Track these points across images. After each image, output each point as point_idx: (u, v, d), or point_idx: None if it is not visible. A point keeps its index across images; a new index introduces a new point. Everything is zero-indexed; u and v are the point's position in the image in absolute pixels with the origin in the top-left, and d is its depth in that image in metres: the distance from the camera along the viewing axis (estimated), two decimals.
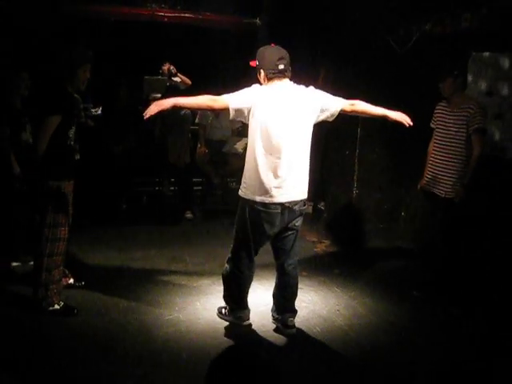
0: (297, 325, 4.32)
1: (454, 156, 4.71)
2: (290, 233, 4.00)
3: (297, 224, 3.97)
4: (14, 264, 5.12)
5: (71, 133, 4.24)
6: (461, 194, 4.62)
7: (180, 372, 3.62)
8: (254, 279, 4.26)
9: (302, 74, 7.47)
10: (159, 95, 8.23)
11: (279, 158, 3.66)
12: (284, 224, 3.88)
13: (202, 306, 4.52)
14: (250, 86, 3.75)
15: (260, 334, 4.07)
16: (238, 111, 3.66)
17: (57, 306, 4.29)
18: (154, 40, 8.53)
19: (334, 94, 4.01)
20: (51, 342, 3.89)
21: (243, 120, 3.77)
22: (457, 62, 4.93)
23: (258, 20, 7.49)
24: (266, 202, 3.72)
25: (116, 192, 7.34)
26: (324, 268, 5.71)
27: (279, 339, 4.08)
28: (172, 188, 7.85)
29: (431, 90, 4.85)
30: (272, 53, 3.73)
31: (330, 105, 3.83)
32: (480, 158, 4.59)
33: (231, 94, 3.68)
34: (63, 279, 4.58)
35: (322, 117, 3.84)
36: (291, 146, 3.69)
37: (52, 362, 3.64)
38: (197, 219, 7.26)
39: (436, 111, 4.94)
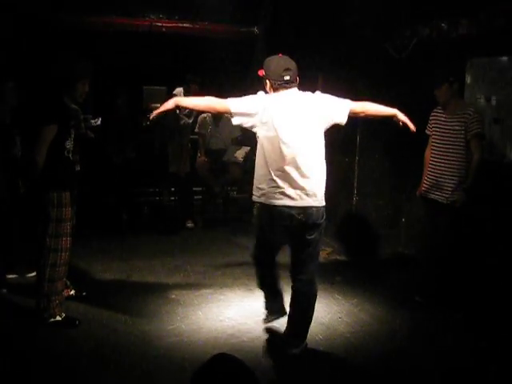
0: None
1: (453, 162, 4.72)
2: (302, 245, 3.79)
3: (309, 237, 3.75)
4: (11, 276, 5.12)
5: (68, 144, 4.23)
6: (462, 199, 4.63)
7: (183, 382, 3.60)
8: (256, 286, 4.25)
9: (300, 81, 7.55)
10: (158, 105, 8.23)
11: (290, 165, 3.60)
12: (295, 233, 3.74)
13: (204, 316, 4.52)
14: (249, 94, 3.73)
15: (261, 342, 4.05)
16: (240, 116, 3.62)
17: (58, 318, 4.27)
18: (152, 50, 8.55)
19: None
20: (52, 355, 3.87)
21: (246, 126, 3.69)
22: (452, 69, 4.94)
23: (255, 29, 7.52)
24: (277, 204, 3.62)
25: (117, 202, 7.34)
26: (325, 275, 5.68)
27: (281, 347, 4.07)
28: (172, 198, 7.86)
29: (430, 96, 4.85)
30: (278, 63, 3.70)
31: (338, 109, 3.76)
32: (480, 163, 4.60)
33: (236, 98, 3.67)
34: (64, 290, 4.58)
35: (333, 121, 3.76)
36: (302, 152, 3.62)
37: (53, 375, 3.62)
38: (197, 228, 7.26)
39: (431, 117, 4.95)
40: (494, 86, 5.26)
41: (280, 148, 3.58)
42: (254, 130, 3.67)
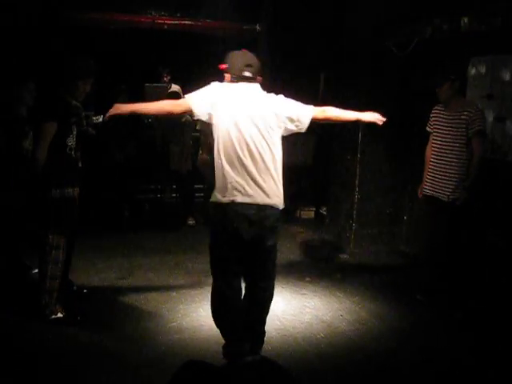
0: (300, 330, 4.32)
1: (454, 159, 4.71)
2: (261, 254, 3.61)
3: (269, 244, 3.56)
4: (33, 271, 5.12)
5: (70, 141, 4.23)
6: (463, 196, 4.62)
7: (184, 379, 3.61)
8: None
9: (302, 79, 7.55)
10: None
11: (239, 160, 3.41)
12: (252, 239, 3.50)
13: (206, 313, 4.50)
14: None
15: (265, 339, 4.05)
16: (201, 110, 3.44)
17: (60, 315, 4.27)
18: (155, 47, 8.55)
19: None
20: (53, 352, 3.87)
21: (205, 119, 3.50)
22: (454, 67, 4.92)
23: (257, 26, 7.51)
24: (232, 200, 3.43)
25: (118, 199, 7.35)
26: (327, 273, 5.70)
27: (284, 345, 4.07)
28: (174, 195, 7.86)
29: (431, 93, 4.85)
30: (240, 58, 3.54)
31: (299, 114, 3.56)
32: (481, 161, 4.59)
33: (191, 94, 3.51)
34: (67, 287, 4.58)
35: (292, 127, 3.57)
36: (258, 147, 3.43)
37: (53, 372, 3.62)
38: (199, 225, 7.26)
39: (432, 115, 4.94)
40: (497, 83, 5.26)
41: (235, 141, 3.41)
42: (210, 121, 3.49)
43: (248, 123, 3.42)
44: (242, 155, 3.41)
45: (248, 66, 3.49)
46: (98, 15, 7.03)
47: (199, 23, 7.37)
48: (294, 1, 7.24)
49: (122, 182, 7.27)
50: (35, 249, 4.45)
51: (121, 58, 8.60)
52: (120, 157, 7.21)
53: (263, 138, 3.46)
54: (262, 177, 3.44)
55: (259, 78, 3.55)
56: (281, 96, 3.62)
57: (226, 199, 3.43)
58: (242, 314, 3.67)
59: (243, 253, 3.56)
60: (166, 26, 7.43)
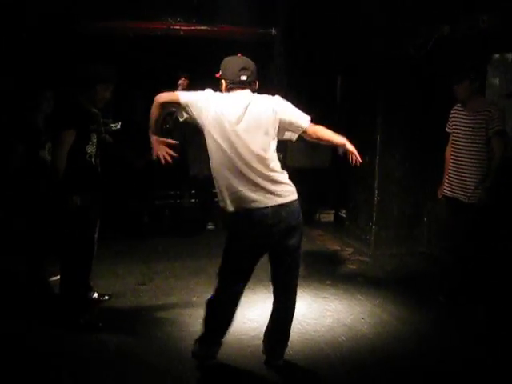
0: (322, 334, 4.30)
1: (474, 160, 4.66)
2: (281, 255, 3.58)
3: (290, 243, 3.52)
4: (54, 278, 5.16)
5: (89, 148, 4.24)
6: (484, 197, 4.57)
7: (207, 383, 3.62)
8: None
9: (319, 82, 7.54)
10: (174, 108, 8.27)
11: (239, 170, 3.36)
12: (270, 241, 3.50)
13: None
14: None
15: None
16: (188, 107, 3.41)
17: (81, 321, 4.30)
18: (171, 53, 8.58)
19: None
20: (74, 357, 3.89)
21: (193, 119, 3.47)
22: (474, 65, 4.88)
23: (273, 30, 7.50)
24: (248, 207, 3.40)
25: (138, 206, 7.38)
26: (348, 276, 5.68)
27: (306, 349, 4.06)
28: (193, 200, 7.88)
29: (450, 93, 4.81)
30: (235, 63, 3.47)
31: (293, 118, 3.48)
32: (502, 161, 4.54)
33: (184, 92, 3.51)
34: (88, 293, 4.61)
35: (284, 131, 3.51)
36: (255, 150, 3.35)
37: (76, 378, 3.64)
38: (218, 230, 7.26)
39: (452, 115, 4.90)
40: None
41: (230, 152, 3.36)
42: (202, 126, 3.44)
43: (241, 132, 3.34)
44: (239, 165, 3.35)
45: (243, 69, 3.43)
46: (113, 23, 7.07)
47: (215, 28, 7.37)
48: (309, 4, 7.22)
49: (141, 188, 7.30)
50: (56, 256, 4.50)
51: (137, 65, 8.65)
52: (139, 163, 7.25)
53: (260, 141, 3.38)
54: (264, 181, 3.38)
55: (256, 81, 3.49)
56: (277, 97, 3.52)
57: (237, 208, 3.40)
58: (231, 320, 3.68)
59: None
60: (181, 32, 7.45)
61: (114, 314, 4.60)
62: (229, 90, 3.46)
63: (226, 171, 3.40)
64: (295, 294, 3.70)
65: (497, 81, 5.42)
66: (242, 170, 3.35)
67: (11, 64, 5.81)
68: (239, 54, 3.57)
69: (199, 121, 3.42)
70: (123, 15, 6.97)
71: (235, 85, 3.43)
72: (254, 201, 3.36)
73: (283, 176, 3.49)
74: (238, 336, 4.16)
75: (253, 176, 3.36)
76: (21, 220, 5.03)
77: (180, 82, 8.34)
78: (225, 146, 3.36)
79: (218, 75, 3.52)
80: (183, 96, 3.46)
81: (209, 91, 3.46)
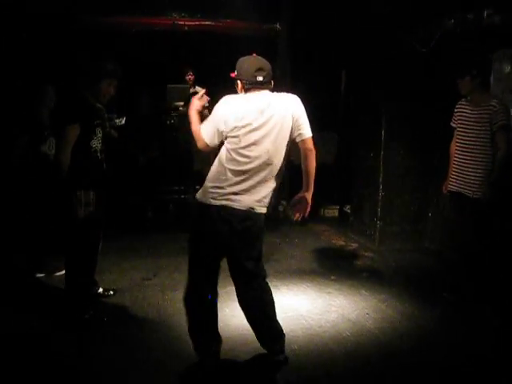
0: (326, 329, 4.30)
1: (479, 155, 4.65)
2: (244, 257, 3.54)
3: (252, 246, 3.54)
4: (39, 275, 5.19)
5: (94, 143, 4.24)
6: (488, 193, 4.56)
7: (213, 379, 3.63)
8: (282, 283, 4.22)
9: (324, 77, 7.53)
10: (182, 103, 8.29)
11: (245, 171, 3.37)
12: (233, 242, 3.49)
13: (231, 313, 4.51)
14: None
15: (289, 339, 4.03)
16: (215, 141, 3.42)
17: (86, 316, 4.32)
18: (176, 48, 8.58)
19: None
20: (78, 352, 3.89)
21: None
22: (478, 61, 4.86)
23: (278, 25, 7.50)
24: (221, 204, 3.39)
25: (142, 201, 7.39)
26: (352, 271, 5.68)
27: (310, 344, 4.05)
28: None
29: (455, 89, 4.79)
30: (251, 63, 3.44)
31: (301, 126, 3.47)
32: (506, 156, 4.53)
33: (203, 125, 3.45)
34: (93, 288, 4.63)
35: (294, 133, 3.48)
36: (269, 155, 3.37)
37: (80, 374, 3.65)
38: None
39: (456, 110, 4.89)
40: None
41: (246, 149, 3.35)
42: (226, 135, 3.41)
43: (261, 133, 3.35)
44: (249, 165, 3.35)
45: (259, 70, 3.41)
46: (117, 18, 7.08)
47: (219, 23, 7.38)
48: None
49: (145, 183, 7.31)
50: (61, 251, 4.51)
51: (142, 60, 8.65)
52: (144, 158, 7.26)
53: (274, 147, 3.39)
54: (261, 186, 3.40)
55: (272, 81, 3.47)
56: (295, 98, 3.51)
57: (215, 202, 3.38)
58: (214, 314, 3.69)
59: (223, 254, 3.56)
60: (186, 28, 7.46)
61: (118, 309, 4.61)
62: (246, 90, 3.45)
63: (232, 169, 3.38)
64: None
65: (501, 76, 5.39)
66: (249, 172, 3.36)
67: (15, 60, 5.82)
68: (254, 54, 3.55)
69: (224, 136, 3.41)
70: (127, 10, 6.97)
71: (252, 85, 3.42)
72: (236, 201, 3.37)
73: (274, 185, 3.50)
74: (240, 332, 4.16)
75: (256, 180, 3.38)
76: (22, 215, 5.06)
77: (187, 77, 8.36)
78: (243, 148, 3.36)
79: (233, 75, 3.51)
80: (206, 136, 3.43)
81: (223, 104, 3.42)
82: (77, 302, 4.31)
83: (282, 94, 3.51)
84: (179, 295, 4.89)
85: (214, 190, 3.40)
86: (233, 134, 3.36)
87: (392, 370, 3.78)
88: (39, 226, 5.17)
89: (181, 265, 5.71)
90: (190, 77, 8.43)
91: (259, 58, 3.50)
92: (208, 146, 3.45)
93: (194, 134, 3.52)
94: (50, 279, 5.19)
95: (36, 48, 6.24)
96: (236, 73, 3.49)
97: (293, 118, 3.43)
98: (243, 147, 3.36)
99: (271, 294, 3.68)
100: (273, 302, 3.68)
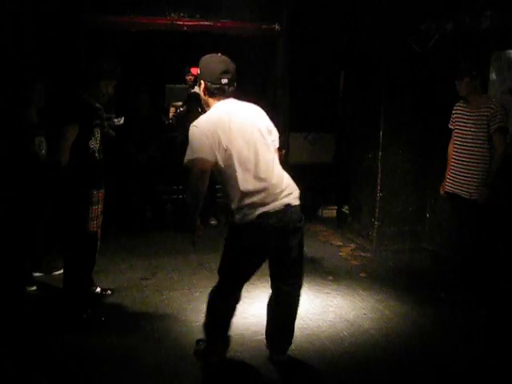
0: (324, 329, 4.32)
1: (476, 157, 4.66)
2: (286, 253, 3.55)
3: (293, 242, 3.51)
4: (37, 274, 5.19)
5: (92, 143, 4.25)
6: (485, 195, 4.57)
7: (210, 380, 3.64)
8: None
9: (322, 77, 7.54)
10: (180, 103, 8.31)
11: (257, 177, 3.32)
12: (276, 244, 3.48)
13: None
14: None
15: None
16: (213, 156, 3.27)
17: (84, 315, 4.32)
18: (175, 48, 8.60)
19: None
20: (76, 352, 3.90)
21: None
22: (477, 62, 4.86)
23: (277, 25, 7.50)
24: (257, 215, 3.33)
25: (141, 200, 7.40)
26: (350, 272, 5.69)
27: (308, 344, 4.07)
28: None
29: (453, 90, 4.80)
30: (216, 64, 3.35)
31: (273, 129, 3.49)
32: (503, 158, 4.54)
33: (193, 151, 3.30)
34: (90, 288, 4.64)
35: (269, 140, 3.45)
36: (261, 160, 3.33)
37: (75, 373, 3.65)
38: (221, 225, 7.28)
39: (454, 111, 4.89)
40: None
41: (246, 159, 3.28)
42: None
43: (251, 138, 3.31)
44: (256, 171, 3.31)
45: (225, 72, 3.33)
46: (116, 18, 7.08)
47: (218, 24, 7.37)
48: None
49: (144, 182, 7.32)
50: (58, 251, 4.52)
51: (141, 60, 8.66)
52: (142, 158, 7.27)
53: (265, 146, 3.38)
54: (277, 184, 3.36)
55: (235, 85, 3.39)
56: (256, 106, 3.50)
57: (252, 216, 3.29)
58: (231, 319, 3.67)
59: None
60: (185, 28, 7.45)
61: (116, 309, 4.62)
62: (210, 94, 3.37)
63: (245, 179, 3.32)
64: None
65: (499, 77, 5.40)
66: (261, 176, 3.34)
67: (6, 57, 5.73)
68: (219, 54, 3.46)
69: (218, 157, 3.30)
70: (126, 10, 6.97)
71: (216, 89, 3.33)
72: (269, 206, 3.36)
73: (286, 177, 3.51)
74: (239, 331, 4.17)
75: (269, 182, 3.36)
76: (18, 215, 5.01)
77: (187, 77, 8.34)
78: (242, 156, 3.29)
79: (195, 72, 3.45)
80: (208, 157, 3.27)
81: (202, 128, 3.26)
82: (75, 301, 4.32)
83: (244, 103, 3.45)
84: (177, 295, 4.93)
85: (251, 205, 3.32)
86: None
87: (389, 370, 3.79)
88: (36, 225, 5.16)
89: (179, 265, 5.74)
90: (190, 77, 8.44)
91: (225, 58, 3.41)
92: (213, 163, 3.34)
93: (199, 183, 3.46)
94: (47, 278, 5.20)
95: (29, 45, 6.19)
96: (199, 72, 3.41)
97: (266, 123, 3.44)
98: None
99: (300, 295, 3.70)
100: (299, 303, 3.71)
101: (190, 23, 7.28)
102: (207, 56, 3.42)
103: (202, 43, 7.98)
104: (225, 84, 3.33)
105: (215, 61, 3.38)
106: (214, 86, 3.32)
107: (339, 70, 7.79)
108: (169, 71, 8.88)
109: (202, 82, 3.38)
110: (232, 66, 3.38)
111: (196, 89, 7.41)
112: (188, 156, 3.30)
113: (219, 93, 3.35)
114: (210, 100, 3.41)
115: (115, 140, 5.07)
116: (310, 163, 7.57)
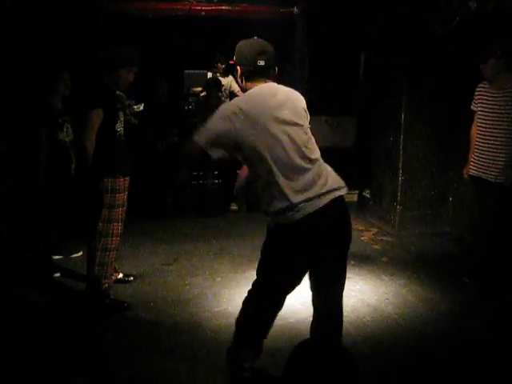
0: (346, 314, 4.24)
1: (501, 139, 4.58)
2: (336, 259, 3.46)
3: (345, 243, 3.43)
4: (56, 257, 5.25)
5: (119, 127, 4.26)
6: (511, 177, 4.49)
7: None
8: None
9: (342, 60, 7.45)
10: (199, 89, 8.28)
11: (297, 171, 3.11)
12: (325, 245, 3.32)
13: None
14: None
15: (308, 325, 4.04)
16: (217, 146, 3.15)
17: (107, 301, 4.35)
18: (193, 34, 8.56)
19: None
20: (98, 337, 3.94)
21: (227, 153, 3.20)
22: (501, 42, 4.76)
23: (295, 8, 7.43)
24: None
25: (161, 186, 7.42)
26: (372, 256, 5.66)
27: None
28: (216, 181, 7.90)
29: (476, 71, 4.71)
30: (252, 46, 3.07)
31: (308, 116, 3.25)
32: None
33: (202, 129, 3.10)
34: (113, 274, 4.66)
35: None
36: (302, 152, 3.13)
37: (101, 358, 3.67)
38: (242, 211, 7.28)
39: (477, 93, 4.80)
40: None
41: (282, 152, 3.03)
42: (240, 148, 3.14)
43: (288, 125, 3.03)
44: (296, 163, 3.08)
45: (261, 53, 3.03)
46: (134, 4, 7.08)
47: (236, 8, 7.33)
48: None
49: (164, 169, 7.33)
50: (75, 232, 4.52)
51: (160, 46, 8.64)
52: (162, 145, 7.27)
53: (304, 132, 3.18)
54: (319, 176, 3.19)
55: (275, 67, 3.11)
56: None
57: (298, 215, 3.04)
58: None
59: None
60: (203, 13, 7.42)
61: (139, 294, 4.64)
62: (248, 79, 3.08)
63: (284, 177, 3.12)
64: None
65: None
66: (301, 170, 3.16)
67: (26, 49, 5.80)
68: (255, 37, 3.23)
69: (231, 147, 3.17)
70: None
71: (254, 73, 3.04)
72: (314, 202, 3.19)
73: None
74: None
75: (310, 176, 3.20)
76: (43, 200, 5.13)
77: (220, 65, 8.25)
78: (277, 150, 3.05)
79: (232, 62, 3.29)
80: (203, 142, 3.15)
81: (231, 109, 2.98)
82: (98, 286, 4.34)
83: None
84: (198, 280, 4.95)
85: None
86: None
87: (411, 355, 3.76)
88: (57, 209, 5.23)
89: (200, 250, 5.76)
90: (219, 66, 8.37)
91: (261, 40, 3.16)
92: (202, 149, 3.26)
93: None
94: (66, 261, 5.26)
95: (52, 34, 6.23)
96: (235, 58, 3.17)
97: (304, 106, 3.21)
98: None
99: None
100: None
101: (208, 8, 7.25)
102: (242, 41, 3.16)
103: (218, 27, 7.95)
104: (262, 66, 3.03)
105: (249, 43, 3.13)
106: (250, 68, 3.04)
107: (359, 53, 7.70)
108: (187, 57, 8.84)
109: (238, 67, 3.11)
110: (269, 48, 3.10)
111: (227, 79, 7.34)
112: (198, 134, 3.12)
113: (256, 76, 3.05)
114: (249, 85, 3.09)
115: (137, 127, 5.08)
116: (331, 147, 7.51)
